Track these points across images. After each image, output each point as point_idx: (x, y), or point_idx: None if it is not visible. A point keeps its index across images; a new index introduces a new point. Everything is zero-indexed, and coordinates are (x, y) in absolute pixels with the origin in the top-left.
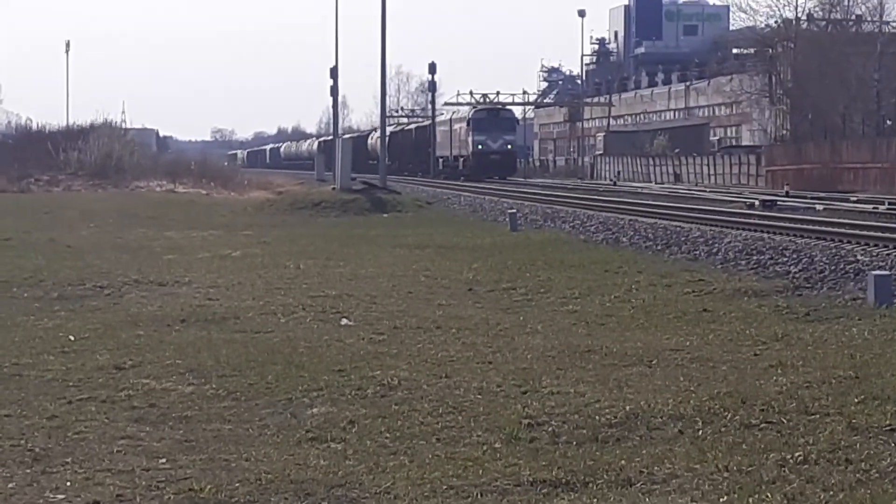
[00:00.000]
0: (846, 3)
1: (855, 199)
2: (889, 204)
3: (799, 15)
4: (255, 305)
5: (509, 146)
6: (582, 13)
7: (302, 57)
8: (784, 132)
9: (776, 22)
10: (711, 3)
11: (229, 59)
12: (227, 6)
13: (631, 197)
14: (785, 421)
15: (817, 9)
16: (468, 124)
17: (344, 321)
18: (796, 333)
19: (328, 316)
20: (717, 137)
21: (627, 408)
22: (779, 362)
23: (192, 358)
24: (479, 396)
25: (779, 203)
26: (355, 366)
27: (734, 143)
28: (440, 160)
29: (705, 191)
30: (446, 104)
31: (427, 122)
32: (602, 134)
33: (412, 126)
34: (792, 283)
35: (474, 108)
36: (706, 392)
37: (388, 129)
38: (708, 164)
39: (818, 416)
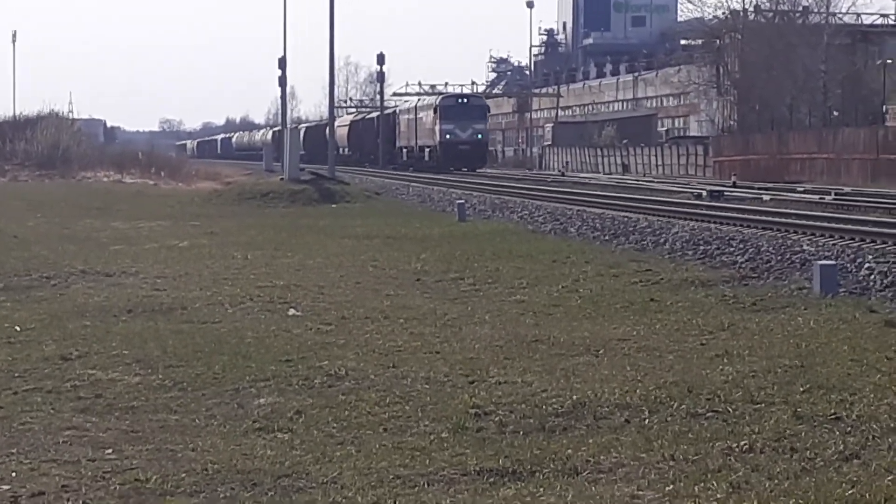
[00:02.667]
0: None
1: (802, 189)
2: (835, 194)
3: (746, 6)
4: (203, 296)
5: (479, 136)
6: (530, 4)
7: (250, 47)
8: (731, 123)
9: (724, 13)
10: None
11: (177, 50)
12: None
13: (579, 187)
14: (731, 410)
15: (764, 0)
16: (435, 112)
17: (291, 311)
18: (742, 323)
19: (276, 306)
20: (665, 128)
21: (574, 397)
22: (725, 351)
23: (138, 348)
24: (427, 386)
25: (726, 193)
26: (302, 356)
27: (682, 133)
28: (404, 150)
29: (653, 181)
30: (395, 94)
31: (391, 110)
32: (550, 125)
33: (374, 114)
34: (739, 272)
35: (442, 94)
36: (653, 381)
37: (349, 118)
38: (656, 155)
39: (763, 405)
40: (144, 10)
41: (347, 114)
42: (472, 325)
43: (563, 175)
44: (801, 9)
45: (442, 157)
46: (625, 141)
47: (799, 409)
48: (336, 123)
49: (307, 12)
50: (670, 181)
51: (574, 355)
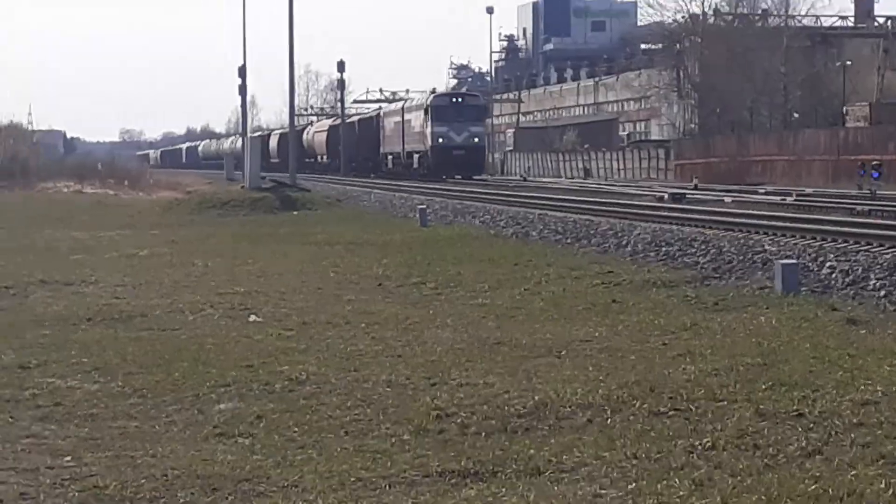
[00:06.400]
0: None
1: (763, 191)
2: (797, 195)
3: (706, 10)
4: (163, 304)
5: (476, 139)
6: (490, 10)
7: (210, 56)
8: (692, 126)
9: (683, 17)
10: (619, 0)
11: (138, 60)
12: (135, 7)
13: (541, 192)
14: (693, 408)
15: (724, 3)
16: (426, 113)
17: (252, 317)
18: (705, 323)
19: (236, 313)
20: (626, 132)
21: (536, 398)
22: (687, 351)
23: (97, 356)
24: (388, 389)
25: (688, 196)
26: (263, 361)
27: (643, 137)
28: (389, 157)
29: (615, 185)
30: (355, 101)
31: (373, 112)
32: (512, 130)
33: (355, 118)
34: (700, 273)
35: (434, 93)
36: (615, 381)
37: (328, 122)
38: (617, 159)
39: (726, 402)
40: (103, 21)
41: (327, 117)
42: (433, 328)
43: (524, 180)
44: (760, 12)
45: (434, 164)
46: (586, 145)
47: (761, 407)
48: (314, 129)
49: (267, 21)
50: (632, 185)
51: (536, 357)
